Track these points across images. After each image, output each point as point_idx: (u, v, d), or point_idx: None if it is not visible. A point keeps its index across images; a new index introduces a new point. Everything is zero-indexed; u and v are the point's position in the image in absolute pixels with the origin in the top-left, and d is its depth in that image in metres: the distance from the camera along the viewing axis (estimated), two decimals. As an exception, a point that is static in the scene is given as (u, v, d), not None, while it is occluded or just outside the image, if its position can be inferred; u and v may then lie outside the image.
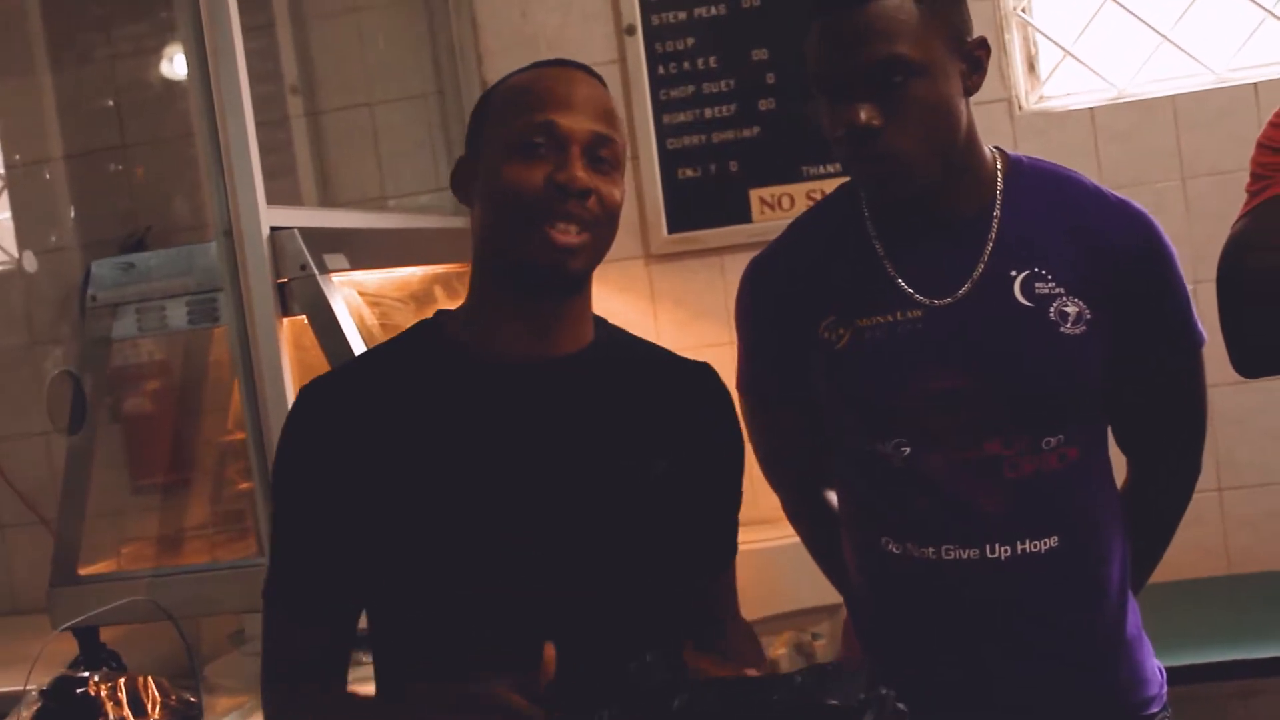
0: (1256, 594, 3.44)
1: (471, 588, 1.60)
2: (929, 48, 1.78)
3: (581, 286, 1.70)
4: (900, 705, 1.40)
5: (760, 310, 2.02)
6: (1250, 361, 1.81)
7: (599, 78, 1.72)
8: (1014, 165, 1.92)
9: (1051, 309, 1.84)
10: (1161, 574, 3.45)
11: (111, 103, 3.77)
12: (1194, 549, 3.57)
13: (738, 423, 1.84)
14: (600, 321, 1.78)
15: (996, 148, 1.94)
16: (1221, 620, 3.32)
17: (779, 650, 3.38)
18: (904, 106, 1.77)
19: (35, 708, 2.32)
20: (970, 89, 1.85)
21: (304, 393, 1.69)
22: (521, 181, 1.61)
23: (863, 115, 1.77)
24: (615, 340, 1.77)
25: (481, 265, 1.69)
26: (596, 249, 1.66)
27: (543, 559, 1.62)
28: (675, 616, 1.70)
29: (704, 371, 1.82)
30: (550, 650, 1.45)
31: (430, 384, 1.67)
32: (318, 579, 1.66)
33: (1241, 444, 3.56)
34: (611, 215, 1.66)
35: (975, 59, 1.85)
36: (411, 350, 1.72)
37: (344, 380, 1.72)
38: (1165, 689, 1.99)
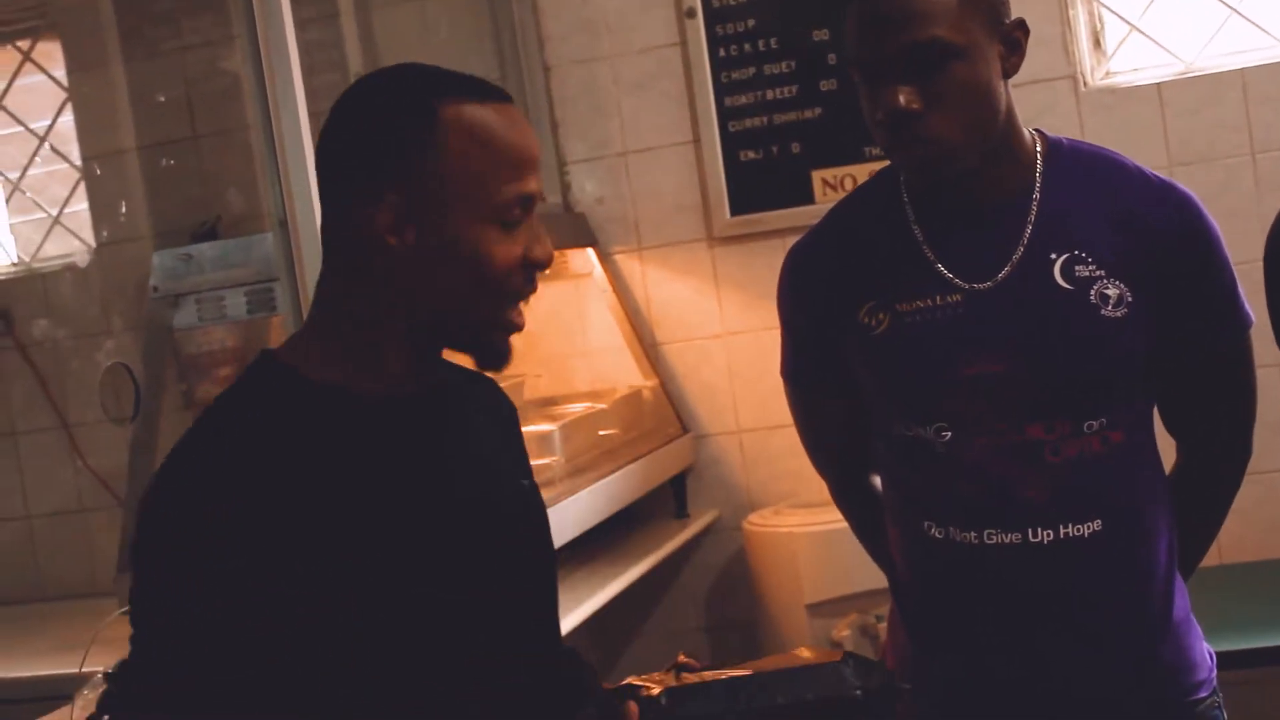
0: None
1: (440, 626, 1.50)
2: (967, 30, 1.76)
3: None
4: (904, 685, 1.44)
5: (801, 297, 2.02)
6: None
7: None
8: (1053, 147, 1.91)
9: (1092, 291, 1.83)
10: (1236, 555, 3.46)
11: (183, 94, 3.83)
12: (1269, 530, 3.52)
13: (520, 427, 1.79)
14: None
15: (1036, 130, 1.92)
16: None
17: (843, 632, 3.37)
18: (943, 90, 1.76)
19: (100, 690, 2.38)
20: (1009, 71, 1.83)
21: (170, 482, 1.43)
22: (506, 259, 1.48)
23: (902, 99, 1.76)
24: (448, 366, 1.65)
25: (392, 310, 1.49)
26: None
27: (502, 585, 1.55)
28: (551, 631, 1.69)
29: (495, 384, 1.74)
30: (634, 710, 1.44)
31: (326, 433, 1.46)
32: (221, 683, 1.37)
33: None
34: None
35: (1014, 40, 1.83)
36: (281, 402, 1.48)
37: (230, 458, 1.42)
38: (1215, 673, 1.96)
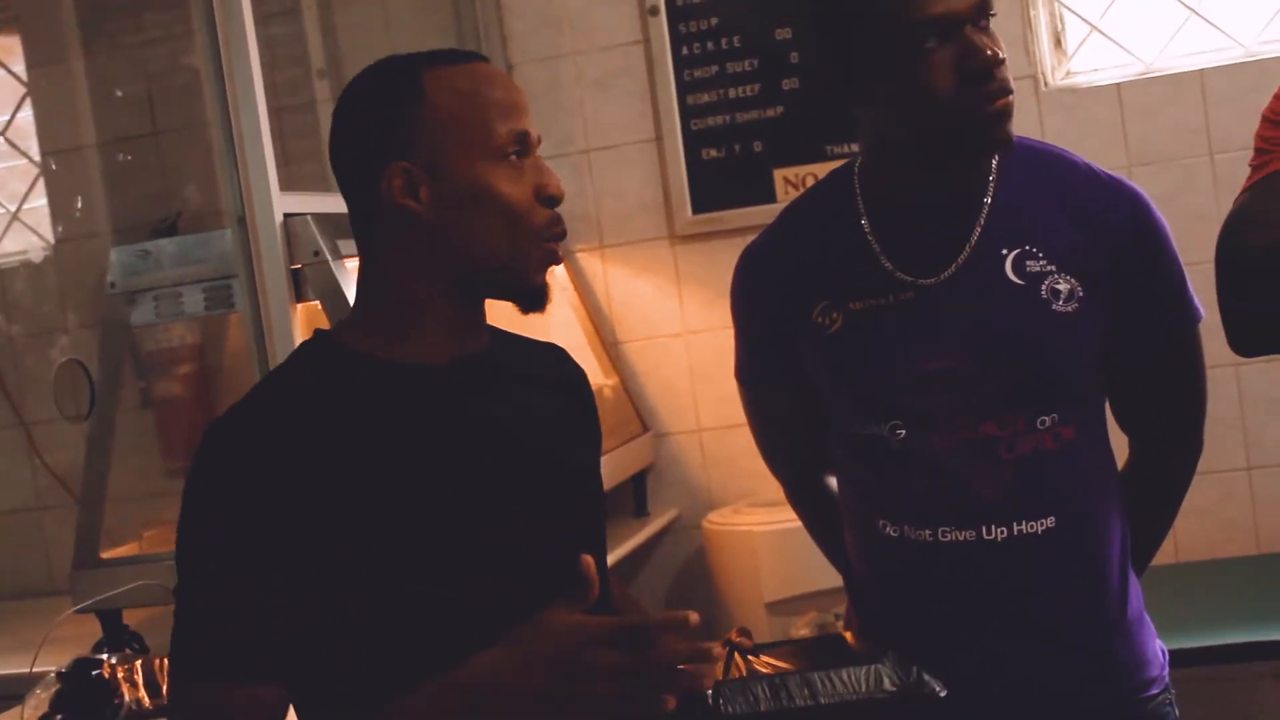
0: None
1: (459, 591, 1.53)
2: None
3: None
4: (938, 689, 1.49)
5: (754, 299, 2.03)
6: (1246, 339, 1.80)
7: None
8: None
9: (1043, 287, 1.84)
10: (1192, 553, 3.49)
11: (143, 90, 3.81)
12: (1225, 528, 3.56)
13: (594, 398, 1.84)
14: None
15: None
16: (1253, 600, 3.30)
17: (802, 630, 3.38)
18: (998, 42, 1.78)
19: (54, 690, 2.37)
20: None
21: (216, 432, 1.51)
22: (517, 193, 1.57)
23: (990, 48, 1.75)
24: (498, 335, 1.72)
25: (427, 273, 1.58)
26: None
27: (515, 556, 1.58)
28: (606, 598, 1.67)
29: (563, 352, 1.83)
30: (589, 561, 1.42)
31: (356, 397, 1.54)
32: (266, 630, 1.46)
33: (1271, 423, 3.54)
34: None
35: None
36: (318, 368, 1.58)
37: (259, 413, 1.53)
38: (1167, 670, 1.98)
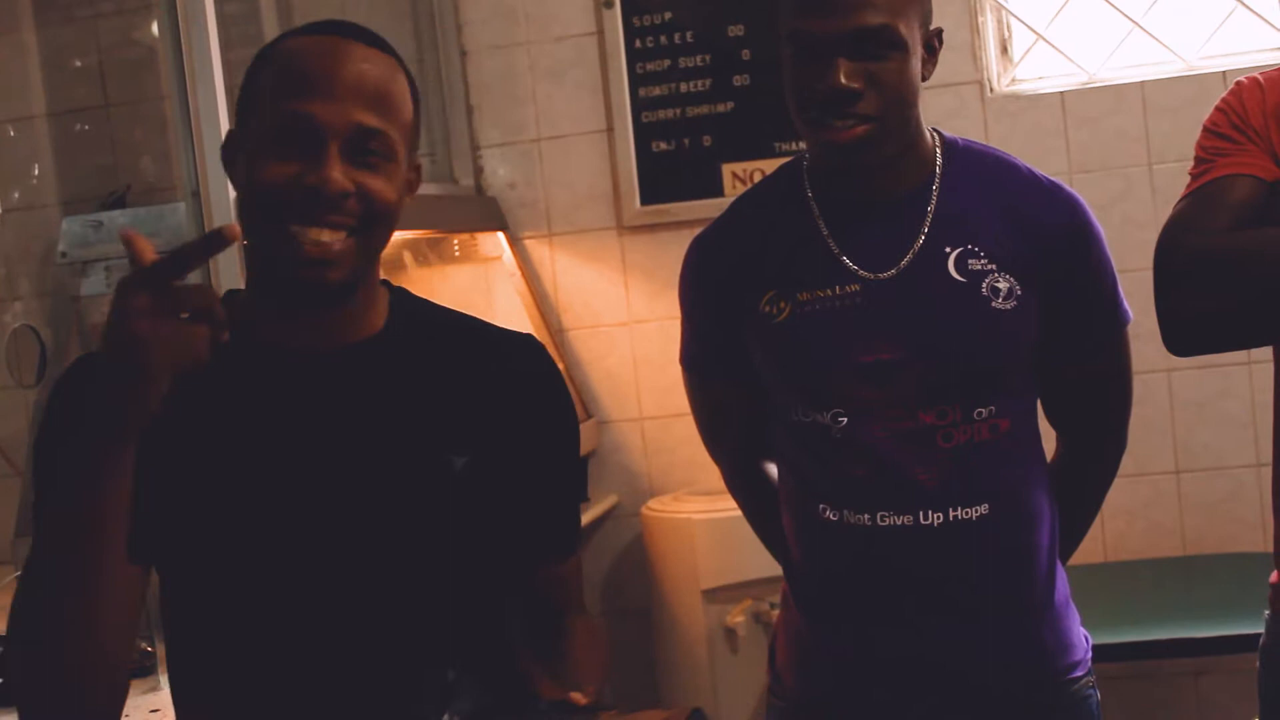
0: (1209, 575, 3.50)
1: (250, 595, 1.49)
2: (911, 28, 1.85)
3: (347, 296, 1.52)
4: None
5: (703, 287, 2.07)
6: (1181, 339, 1.86)
7: (383, 44, 1.54)
8: (950, 146, 1.99)
9: (983, 284, 1.90)
10: (1119, 553, 3.56)
11: (95, 62, 3.80)
12: (1153, 530, 3.63)
13: (567, 400, 1.65)
14: (401, 299, 1.62)
15: (934, 129, 1.99)
16: (1177, 600, 3.38)
17: (737, 618, 3.43)
18: (884, 77, 1.83)
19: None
20: (926, 75, 1.91)
21: (81, 362, 1.53)
22: (274, 179, 1.44)
23: (844, 77, 1.81)
24: (416, 319, 1.60)
25: (248, 253, 1.53)
26: (364, 254, 1.50)
27: (326, 562, 1.50)
28: (494, 614, 1.58)
29: (527, 344, 1.63)
30: (132, 236, 1.35)
31: (220, 367, 1.42)
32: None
33: (1200, 428, 3.62)
34: (381, 214, 1.49)
35: (933, 47, 1.92)
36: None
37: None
38: (1090, 655, 2.04)
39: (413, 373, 1.56)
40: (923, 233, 1.92)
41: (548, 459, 1.62)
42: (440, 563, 1.53)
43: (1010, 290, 1.90)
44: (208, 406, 1.49)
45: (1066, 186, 1.99)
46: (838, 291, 1.92)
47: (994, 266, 1.91)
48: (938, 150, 1.97)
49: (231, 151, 1.52)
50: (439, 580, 1.53)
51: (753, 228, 2.03)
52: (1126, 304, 2.00)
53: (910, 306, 1.90)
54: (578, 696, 1.42)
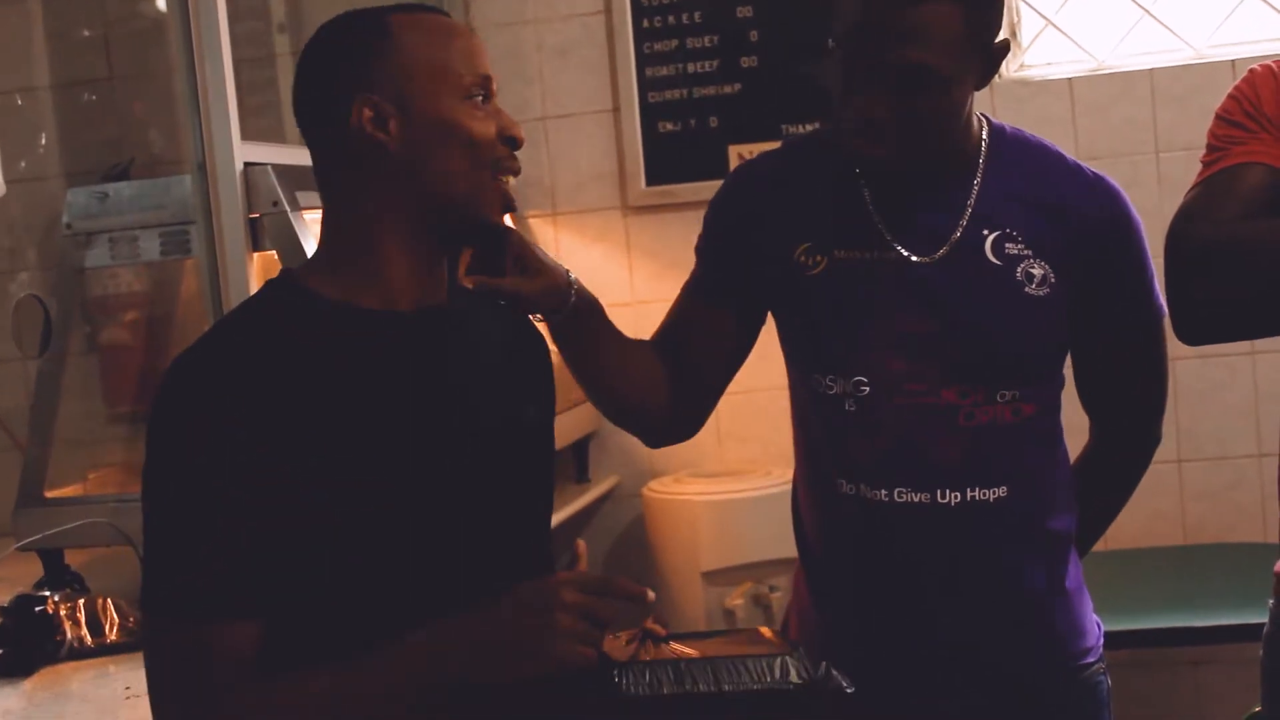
0: (1210, 564, 3.50)
1: (411, 540, 1.55)
2: (959, 59, 1.81)
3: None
4: (845, 685, 1.51)
5: (737, 209, 2.05)
6: (1191, 329, 1.86)
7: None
8: (997, 132, 1.99)
9: (1019, 269, 1.91)
10: (1120, 541, 3.56)
11: (100, 34, 3.79)
12: (1154, 518, 3.64)
13: (550, 360, 1.86)
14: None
15: (982, 114, 1.99)
16: (1177, 588, 3.38)
17: (737, 600, 3.43)
18: (919, 110, 1.82)
19: (-4, 624, 2.38)
20: (980, 84, 1.89)
21: (180, 370, 1.51)
22: (484, 131, 1.59)
23: (878, 111, 1.81)
24: (460, 291, 1.72)
25: (393, 211, 1.59)
26: None
27: (468, 505, 1.59)
28: (546, 565, 1.70)
29: (522, 320, 1.84)
30: (583, 546, 1.50)
31: (320, 340, 1.54)
32: (238, 567, 1.45)
33: (1203, 418, 3.62)
34: None
35: (995, 60, 1.89)
36: (284, 309, 1.58)
37: (223, 352, 1.53)
38: (1101, 642, 2.05)
39: (485, 331, 1.72)
40: (964, 215, 1.92)
41: (550, 409, 1.82)
42: (541, 510, 1.73)
43: (1044, 277, 1.91)
44: (343, 379, 1.54)
45: (1109, 179, 1.99)
46: (876, 255, 1.92)
47: (1030, 253, 1.91)
48: (984, 136, 1.97)
49: (382, 112, 1.57)
50: (542, 528, 1.73)
51: (801, 172, 2.01)
52: (1162, 298, 1.97)
53: (945, 284, 1.90)
54: (650, 593, 1.48)
